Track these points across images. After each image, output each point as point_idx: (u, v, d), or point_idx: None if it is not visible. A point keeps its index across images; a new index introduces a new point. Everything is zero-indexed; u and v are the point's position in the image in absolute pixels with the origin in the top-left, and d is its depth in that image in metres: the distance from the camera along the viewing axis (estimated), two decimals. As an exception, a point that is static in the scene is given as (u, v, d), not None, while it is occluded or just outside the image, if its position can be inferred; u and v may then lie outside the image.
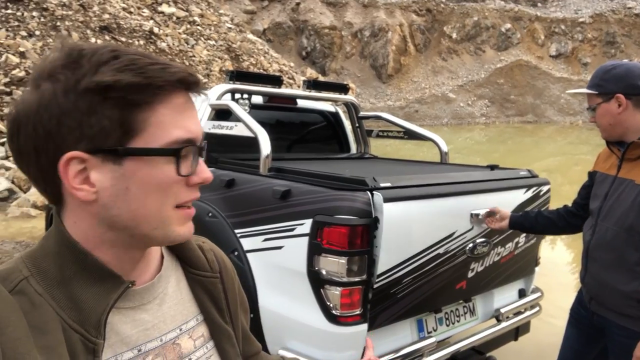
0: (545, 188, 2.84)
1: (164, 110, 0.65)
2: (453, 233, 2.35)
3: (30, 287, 0.62)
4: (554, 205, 2.17)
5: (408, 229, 2.16)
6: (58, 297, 0.63)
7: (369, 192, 2.08)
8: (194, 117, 0.69)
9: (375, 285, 2.10)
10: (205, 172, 0.70)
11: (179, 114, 0.66)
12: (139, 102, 0.63)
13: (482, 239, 2.48)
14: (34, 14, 13.03)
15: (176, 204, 0.68)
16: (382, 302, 2.17)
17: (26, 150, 0.63)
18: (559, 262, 5.70)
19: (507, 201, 2.59)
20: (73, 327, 0.63)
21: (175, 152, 0.66)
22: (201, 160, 0.70)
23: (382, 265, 2.08)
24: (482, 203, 2.44)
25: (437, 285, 2.36)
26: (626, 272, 1.84)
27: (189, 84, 0.67)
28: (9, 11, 12.86)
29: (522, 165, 3.16)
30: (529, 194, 2.73)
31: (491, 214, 2.40)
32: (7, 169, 8.17)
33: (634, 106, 1.84)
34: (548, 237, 6.87)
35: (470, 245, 2.43)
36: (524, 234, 2.75)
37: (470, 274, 2.52)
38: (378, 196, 2.05)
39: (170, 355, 0.74)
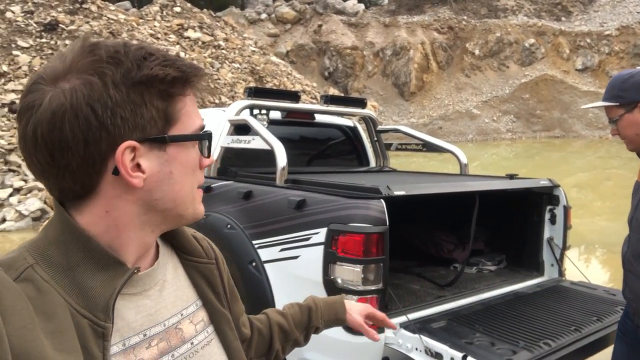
0: None
1: (189, 101, 0.73)
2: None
3: (36, 274, 0.63)
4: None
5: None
6: (64, 283, 0.64)
7: (382, 200, 2.08)
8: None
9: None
10: (212, 157, 0.80)
11: (195, 105, 0.76)
12: (177, 94, 0.71)
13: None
14: (67, 42, 13.59)
15: (199, 184, 0.77)
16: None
17: (74, 141, 0.64)
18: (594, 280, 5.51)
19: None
20: (81, 313, 0.63)
21: (208, 136, 0.77)
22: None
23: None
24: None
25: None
26: None
27: (200, 80, 0.75)
28: (44, 40, 13.46)
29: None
30: None
31: None
32: (40, 189, 8.45)
33: None
34: (580, 254, 6.65)
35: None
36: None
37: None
38: None
39: (173, 340, 0.76)
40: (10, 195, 8.86)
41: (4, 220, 7.86)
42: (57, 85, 0.64)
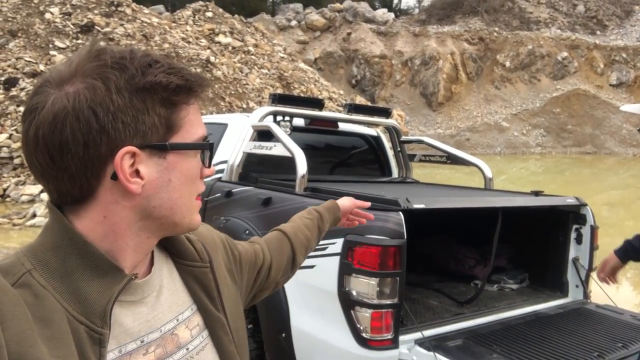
0: None
1: (192, 110, 0.74)
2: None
3: (34, 280, 0.63)
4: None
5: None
6: (61, 289, 0.64)
7: (401, 213, 2.05)
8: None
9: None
10: (212, 168, 0.80)
11: (199, 114, 0.76)
12: (180, 102, 0.71)
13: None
14: (101, 43, 13.95)
15: (197, 193, 0.77)
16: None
17: (74, 143, 0.64)
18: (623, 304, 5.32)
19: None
20: (78, 319, 0.63)
21: (210, 146, 0.77)
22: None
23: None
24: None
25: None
26: None
27: (204, 90, 0.75)
28: (80, 41, 13.86)
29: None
30: None
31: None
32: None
33: None
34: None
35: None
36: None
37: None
38: None
39: (169, 346, 0.75)
40: (41, 191, 9.12)
41: (34, 215, 8.08)
42: (61, 89, 0.65)
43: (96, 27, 14.66)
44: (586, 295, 2.92)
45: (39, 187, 9.20)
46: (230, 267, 0.96)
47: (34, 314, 0.60)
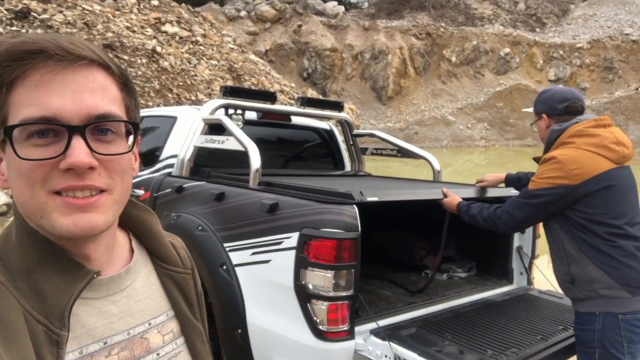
0: None
1: (20, 88, 0.61)
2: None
3: None
4: None
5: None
6: (21, 287, 0.62)
7: (355, 206, 2.07)
8: (63, 91, 0.62)
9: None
10: (72, 157, 0.60)
11: (35, 89, 0.61)
12: (2, 83, 0.61)
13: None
14: (39, 31, 13.20)
15: (52, 190, 0.61)
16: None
17: None
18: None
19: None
20: (36, 318, 0.61)
21: (6, 131, 0.61)
22: (76, 144, 0.61)
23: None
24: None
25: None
26: (556, 259, 2.11)
27: (51, 55, 0.60)
28: (14, 28, 13.05)
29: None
30: None
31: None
32: (4, 183, 8.18)
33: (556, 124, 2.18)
34: (548, 262, 6.78)
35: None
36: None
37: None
38: None
39: (137, 349, 0.72)
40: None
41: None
42: None
43: (32, 13, 13.84)
44: (530, 281, 3.07)
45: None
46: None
47: None
